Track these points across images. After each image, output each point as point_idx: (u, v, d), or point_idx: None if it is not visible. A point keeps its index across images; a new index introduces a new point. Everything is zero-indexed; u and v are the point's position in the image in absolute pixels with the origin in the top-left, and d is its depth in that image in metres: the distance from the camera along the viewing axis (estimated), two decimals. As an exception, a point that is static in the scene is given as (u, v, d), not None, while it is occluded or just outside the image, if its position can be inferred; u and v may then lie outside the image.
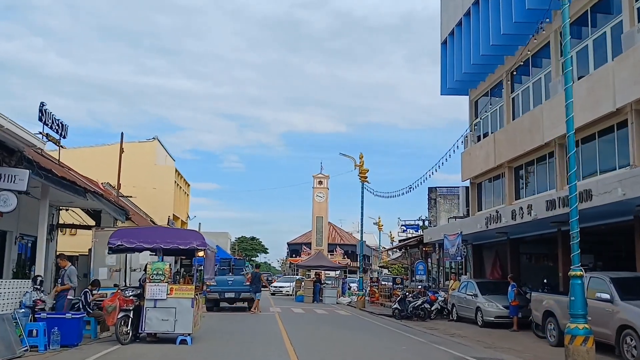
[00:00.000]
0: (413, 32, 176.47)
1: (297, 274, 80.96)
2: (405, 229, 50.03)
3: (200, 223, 48.41)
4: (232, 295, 23.96)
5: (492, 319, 18.90)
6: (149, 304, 12.22)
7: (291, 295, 38.41)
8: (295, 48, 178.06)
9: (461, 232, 22.12)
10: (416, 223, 55.26)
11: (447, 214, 56.38)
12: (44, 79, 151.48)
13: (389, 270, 53.21)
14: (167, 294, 12.24)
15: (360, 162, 31.54)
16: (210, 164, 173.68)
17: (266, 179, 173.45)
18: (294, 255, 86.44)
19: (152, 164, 39.17)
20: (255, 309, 24.05)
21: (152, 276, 12.29)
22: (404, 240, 39.36)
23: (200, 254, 12.58)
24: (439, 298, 23.98)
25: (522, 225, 17.74)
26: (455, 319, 21.75)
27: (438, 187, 57.39)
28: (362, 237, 32.32)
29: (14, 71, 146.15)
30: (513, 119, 22.04)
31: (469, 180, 26.74)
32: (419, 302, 23.21)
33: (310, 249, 75.10)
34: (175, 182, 40.68)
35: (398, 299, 24.19)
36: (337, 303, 33.77)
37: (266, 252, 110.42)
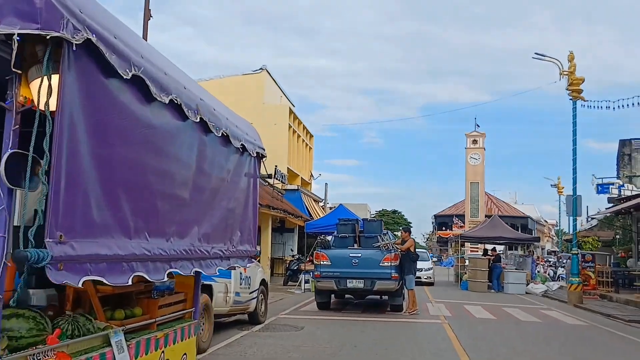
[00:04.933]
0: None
1: (446, 251, 69.92)
2: (607, 188, 36.38)
3: (326, 183, 38.15)
4: (359, 284, 13.27)
5: None
6: None
7: (431, 280, 26.10)
8: (432, 17, 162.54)
9: None
10: (615, 184, 41.54)
11: (647, 173, 41.99)
12: (192, 65, 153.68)
13: (579, 247, 39.44)
14: None
15: (569, 68, 19.13)
16: (349, 140, 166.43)
17: (406, 153, 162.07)
18: (443, 229, 75.13)
19: (260, 101, 29.51)
20: (412, 306, 13.45)
21: None
22: (626, 198, 26.09)
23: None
24: None
25: None
26: None
27: (634, 139, 43.27)
28: (575, 183, 19.85)
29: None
30: None
31: None
32: None
33: (464, 221, 63.25)
34: (291, 126, 30.70)
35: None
36: (526, 293, 21.97)
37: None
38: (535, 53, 19.60)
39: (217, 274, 3.54)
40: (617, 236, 35.84)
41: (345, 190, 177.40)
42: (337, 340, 9.38)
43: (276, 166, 24.51)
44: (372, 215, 76.25)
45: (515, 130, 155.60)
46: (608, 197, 36.00)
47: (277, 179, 24.70)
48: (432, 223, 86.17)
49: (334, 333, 10.20)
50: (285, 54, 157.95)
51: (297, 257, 22.75)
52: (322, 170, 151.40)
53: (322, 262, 13.55)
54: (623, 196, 28.54)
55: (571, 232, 49.18)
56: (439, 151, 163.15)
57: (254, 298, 10.70)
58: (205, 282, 8.30)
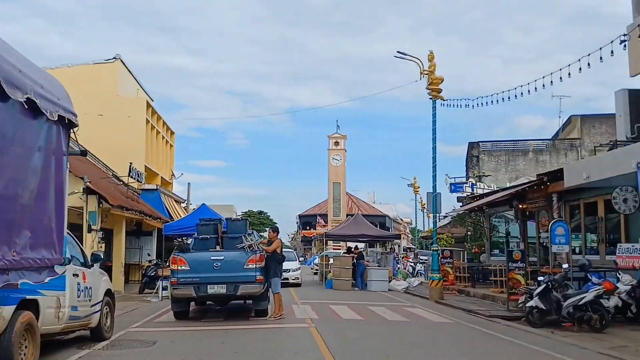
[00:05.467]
0: (417, 3, 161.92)
1: (311, 250, 70.55)
2: (460, 187, 38.38)
3: (189, 183, 36.32)
4: (222, 289, 12.20)
5: None
6: None
7: (299, 281, 24.58)
8: (295, 22, 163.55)
9: None
10: (469, 182, 44.29)
11: (494, 174, 45.40)
12: (47, 60, 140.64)
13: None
14: None
15: (430, 67, 19.50)
16: (215, 141, 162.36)
17: (272, 155, 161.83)
18: (308, 228, 76.00)
19: (113, 93, 27.16)
20: (277, 310, 12.57)
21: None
22: (479, 196, 27.41)
23: None
24: (620, 288, 12.39)
25: None
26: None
27: (481, 142, 46.70)
28: (435, 181, 20.22)
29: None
30: None
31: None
32: (589, 295, 11.90)
33: (326, 220, 64.38)
34: (149, 121, 28.62)
35: (539, 290, 12.58)
36: (389, 290, 22.21)
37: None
38: (398, 52, 19.75)
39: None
40: (469, 232, 37.94)
41: (211, 191, 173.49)
42: (193, 356, 8.28)
43: (131, 163, 22.54)
44: (238, 216, 74.88)
45: (373, 133, 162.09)
46: (458, 197, 37.93)
47: (132, 177, 22.76)
48: (297, 223, 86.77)
49: (190, 347, 9.06)
50: (146, 51, 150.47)
51: (154, 262, 21.07)
52: (188, 171, 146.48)
53: (179, 267, 12.26)
54: (476, 194, 30.04)
55: (425, 229, 51.81)
56: (303, 153, 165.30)
57: (96, 312, 9.24)
58: (29, 297, 6.76)
